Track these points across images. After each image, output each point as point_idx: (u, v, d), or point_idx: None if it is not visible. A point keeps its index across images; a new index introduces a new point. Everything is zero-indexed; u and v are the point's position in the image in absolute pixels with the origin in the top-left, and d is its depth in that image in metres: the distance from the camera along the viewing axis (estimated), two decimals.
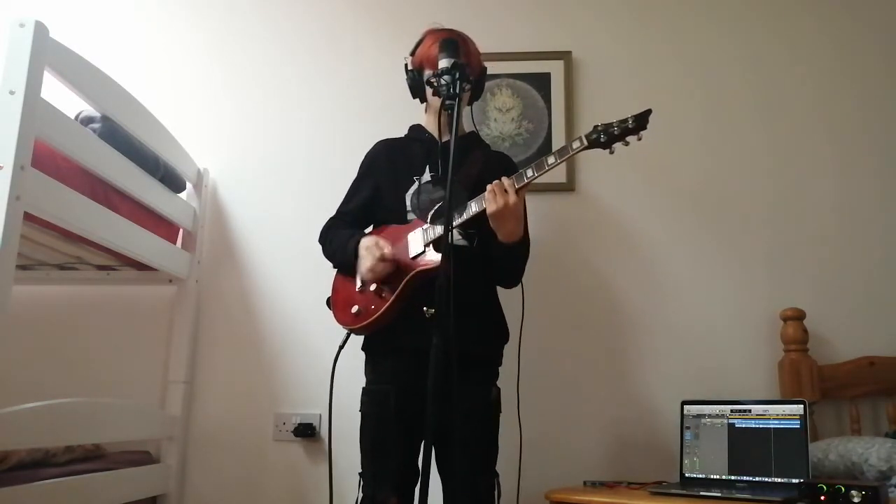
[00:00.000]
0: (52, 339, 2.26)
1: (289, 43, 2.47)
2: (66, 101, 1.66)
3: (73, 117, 1.79)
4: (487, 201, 1.56)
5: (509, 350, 1.77)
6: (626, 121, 1.56)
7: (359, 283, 1.69)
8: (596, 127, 1.58)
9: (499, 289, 1.80)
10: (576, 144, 1.58)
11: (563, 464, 2.05)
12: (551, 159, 1.58)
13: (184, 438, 2.17)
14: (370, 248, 1.62)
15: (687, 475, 1.79)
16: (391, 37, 2.41)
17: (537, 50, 2.35)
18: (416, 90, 1.79)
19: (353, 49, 2.44)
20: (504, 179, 1.57)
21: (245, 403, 2.21)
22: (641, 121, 1.55)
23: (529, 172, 1.58)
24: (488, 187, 1.57)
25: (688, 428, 1.84)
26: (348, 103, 2.40)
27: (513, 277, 1.76)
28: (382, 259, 1.60)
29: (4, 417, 1.43)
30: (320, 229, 1.82)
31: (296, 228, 2.29)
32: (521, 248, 1.68)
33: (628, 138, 1.56)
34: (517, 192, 1.56)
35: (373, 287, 1.64)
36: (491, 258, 1.69)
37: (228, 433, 2.19)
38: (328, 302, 1.74)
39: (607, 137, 1.57)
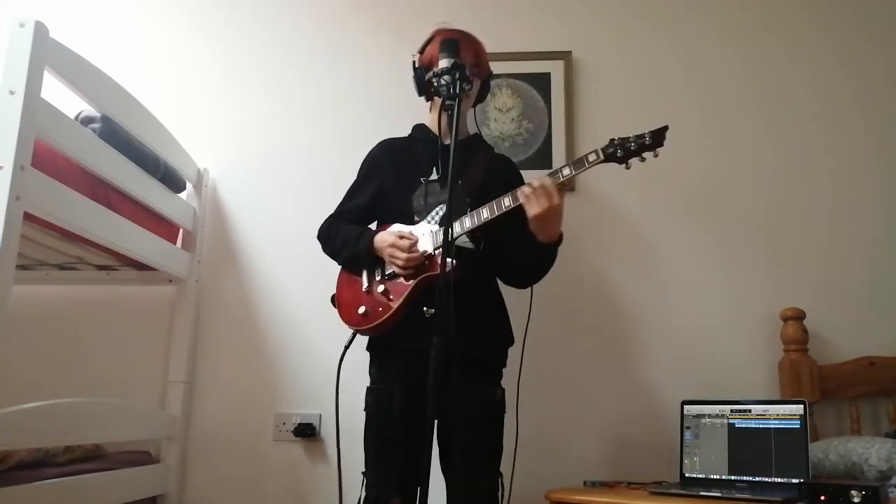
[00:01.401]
0: (52, 339, 2.26)
1: (289, 43, 2.47)
2: (66, 101, 1.66)
3: (73, 117, 1.79)
4: (529, 204, 1.54)
5: (513, 349, 1.77)
6: (642, 136, 1.54)
7: (365, 283, 1.68)
8: (612, 140, 1.57)
9: (503, 290, 1.79)
10: (592, 157, 1.57)
11: (563, 464, 2.05)
12: (566, 171, 1.57)
13: (184, 438, 2.17)
14: (396, 244, 1.62)
15: (687, 475, 1.79)
16: (392, 37, 2.41)
17: (537, 50, 2.35)
18: (423, 88, 1.78)
19: (354, 49, 2.44)
20: (545, 180, 1.55)
21: (245, 403, 2.21)
22: (658, 137, 1.54)
23: (550, 178, 1.57)
24: (524, 191, 1.55)
25: (688, 428, 1.84)
26: (348, 103, 2.40)
27: (535, 277, 1.73)
28: (413, 249, 1.60)
29: (4, 417, 1.43)
30: (319, 226, 1.82)
31: (296, 228, 2.28)
32: (555, 250, 1.66)
33: (644, 154, 1.55)
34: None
35: (381, 288, 1.63)
36: (516, 257, 1.68)
37: (228, 433, 2.19)
38: (332, 300, 1.74)
39: (624, 152, 1.55)
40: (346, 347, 1.67)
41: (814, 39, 2.32)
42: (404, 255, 1.60)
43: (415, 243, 1.62)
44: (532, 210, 1.54)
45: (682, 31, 2.36)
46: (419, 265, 1.62)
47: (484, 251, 1.69)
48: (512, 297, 1.79)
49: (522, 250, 1.66)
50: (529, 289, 1.76)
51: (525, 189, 1.55)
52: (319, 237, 1.81)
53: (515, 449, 1.75)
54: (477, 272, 1.66)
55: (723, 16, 2.36)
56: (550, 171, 1.59)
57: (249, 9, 2.50)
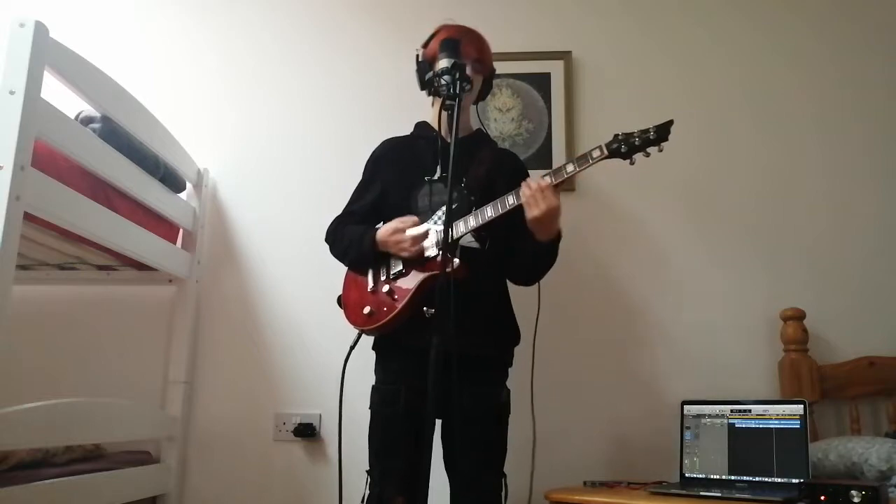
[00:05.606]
0: (52, 340, 2.26)
1: (289, 43, 2.47)
2: (66, 101, 1.66)
3: (73, 117, 1.79)
4: (528, 206, 1.53)
5: (522, 348, 1.77)
6: (647, 131, 1.52)
7: (370, 284, 1.68)
8: (616, 136, 1.55)
9: (511, 289, 1.79)
10: (595, 153, 1.55)
11: (563, 464, 2.05)
12: (570, 167, 1.56)
13: (184, 438, 2.17)
14: (398, 229, 1.62)
15: (687, 475, 1.79)
16: (392, 37, 2.41)
17: (537, 50, 2.35)
18: (424, 83, 1.76)
19: (354, 49, 2.44)
20: (541, 181, 1.54)
21: (245, 403, 2.21)
22: (663, 132, 1.52)
23: (547, 179, 1.56)
24: (524, 192, 1.54)
25: (688, 428, 1.84)
26: (348, 103, 2.40)
27: (538, 275, 1.73)
28: (415, 227, 1.61)
29: (4, 417, 1.43)
30: (326, 228, 1.81)
31: (296, 228, 2.29)
32: (555, 246, 1.65)
33: (649, 149, 1.53)
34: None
35: (385, 289, 1.63)
36: (519, 256, 1.68)
37: (228, 433, 2.19)
38: (339, 301, 1.74)
39: (628, 148, 1.53)
40: (352, 348, 1.67)
41: (810, 40, 2.32)
42: (409, 237, 1.60)
43: (415, 222, 1.63)
44: (531, 213, 1.54)
45: (682, 32, 2.36)
46: (425, 263, 1.62)
47: (490, 250, 1.69)
48: (517, 296, 1.79)
49: (523, 249, 1.66)
50: (537, 286, 1.76)
51: (524, 191, 1.55)
52: (327, 240, 1.81)
53: (534, 446, 1.78)
54: (483, 271, 1.65)
55: (721, 17, 2.36)
56: (554, 168, 1.58)
57: (249, 9, 2.50)
